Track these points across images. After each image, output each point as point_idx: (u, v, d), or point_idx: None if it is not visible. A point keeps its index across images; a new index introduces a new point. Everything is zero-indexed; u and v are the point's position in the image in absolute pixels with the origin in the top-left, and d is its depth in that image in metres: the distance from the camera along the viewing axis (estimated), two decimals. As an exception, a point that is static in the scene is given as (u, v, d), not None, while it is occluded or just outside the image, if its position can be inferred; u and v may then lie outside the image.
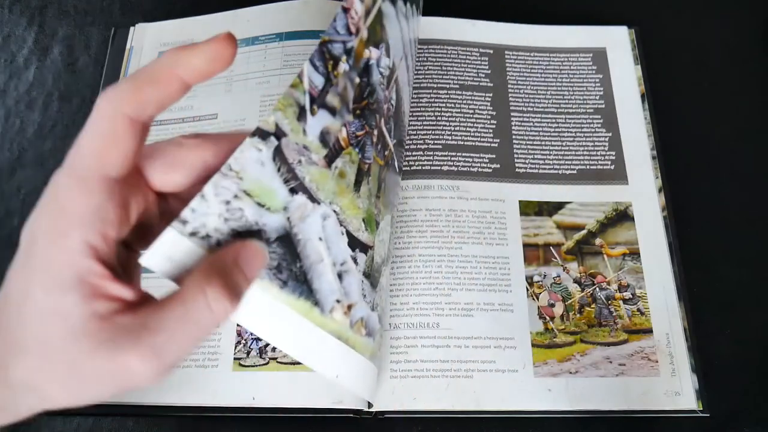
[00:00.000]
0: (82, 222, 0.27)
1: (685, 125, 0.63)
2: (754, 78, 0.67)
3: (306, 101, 0.35)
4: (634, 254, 0.57)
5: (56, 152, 0.62)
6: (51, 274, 0.27)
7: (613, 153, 0.61)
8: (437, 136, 0.60)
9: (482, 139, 0.61)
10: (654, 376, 0.52)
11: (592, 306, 0.55)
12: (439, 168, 0.59)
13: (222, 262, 0.29)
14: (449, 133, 0.61)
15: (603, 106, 0.63)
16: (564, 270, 0.56)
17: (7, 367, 0.27)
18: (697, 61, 0.67)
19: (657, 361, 0.52)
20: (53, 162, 0.62)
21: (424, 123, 0.61)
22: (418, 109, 0.61)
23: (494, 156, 0.60)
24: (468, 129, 0.61)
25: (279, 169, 0.34)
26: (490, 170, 0.59)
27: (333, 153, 0.38)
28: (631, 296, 0.55)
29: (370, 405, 0.50)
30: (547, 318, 0.54)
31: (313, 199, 0.36)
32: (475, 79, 0.64)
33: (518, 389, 0.51)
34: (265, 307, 0.34)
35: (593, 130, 0.62)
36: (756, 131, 0.64)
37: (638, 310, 0.55)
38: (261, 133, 0.33)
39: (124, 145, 0.28)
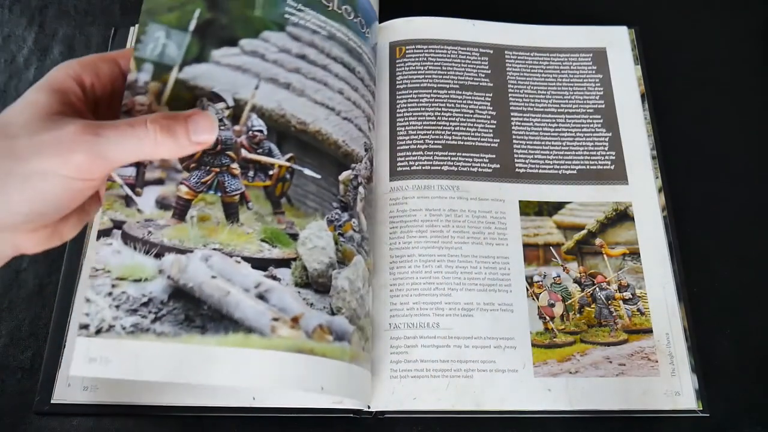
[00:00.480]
0: (70, 64, 0.40)
1: (685, 125, 0.64)
2: (753, 78, 0.67)
3: (126, 191, 0.42)
4: (634, 254, 0.57)
5: (56, 152, 0.62)
6: (42, 84, 0.38)
7: (613, 153, 0.61)
8: (437, 136, 0.60)
9: (482, 139, 0.61)
10: (654, 376, 0.52)
11: (592, 306, 0.55)
12: (439, 168, 0.59)
13: (174, 115, 0.38)
14: (449, 133, 0.61)
15: (603, 106, 0.63)
16: (564, 270, 0.56)
17: None
18: (697, 61, 0.67)
19: (657, 361, 0.52)
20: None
21: (424, 123, 0.61)
22: (418, 109, 0.61)
23: (494, 156, 0.60)
24: (468, 129, 0.61)
25: (135, 248, 0.41)
26: (490, 170, 0.59)
27: (181, 209, 0.43)
28: (630, 296, 0.55)
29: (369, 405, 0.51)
30: (547, 318, 0.54)
31: (183, 251, 0.42)
32: (475, 79, 0.64)
33: (518, 389, 0.51)
34: (201, 362, 0.39)
35: (593, 130, 0.62)
36: (756, 131, 0.64)
37: (638, 310, 0.55)
38: (104, 233, 0.41)
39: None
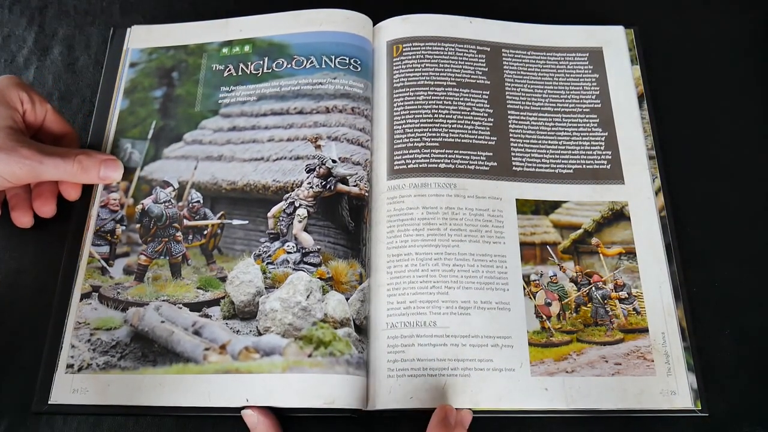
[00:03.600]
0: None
1: (683, 125, 0.63)
2: (752, 78, 0.67)
3: (103, 264, 0.57)
4: (630, 254, 0.57)
5: (56, 152, 0.62)
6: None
7: (609, 153, 0.61)
8: (434, 134, 0.60)
9: (479, 137, 0.61)
10: (650, 375, 0.52)
11: (589, 305, 0.55)
12: (436, 166, 0.59)
13: (94, 158, 0.56)
14: (446, 130, 0.61)
15: (599, 105, 0.63)
16: (560, 269, 0.57)
17: None
18: (696, 61, 0.67)
19: (653, 361, 0.52)
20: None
21: (421, 120, 0.61)
22: (415, 107, 0.61)
23: (491, 154, 0.60)
24: (465, 126, 0.61)
25: (108, 305, 0.55)
26: (487, 168, 0.60)
27: (140, 273, 0.57)
28: (627, 295, 0.55)
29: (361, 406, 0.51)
30: (544, 317, 0.54)
31: (140, 305, 0.55)
32: (472, 76, 0.64)
33: (515, 388, 0.51)
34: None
35: (589, 129, 0.62)
36: (755, 131, 0.64)
37: (634, 309, 0.55)
38: (85, 295, 0.55)
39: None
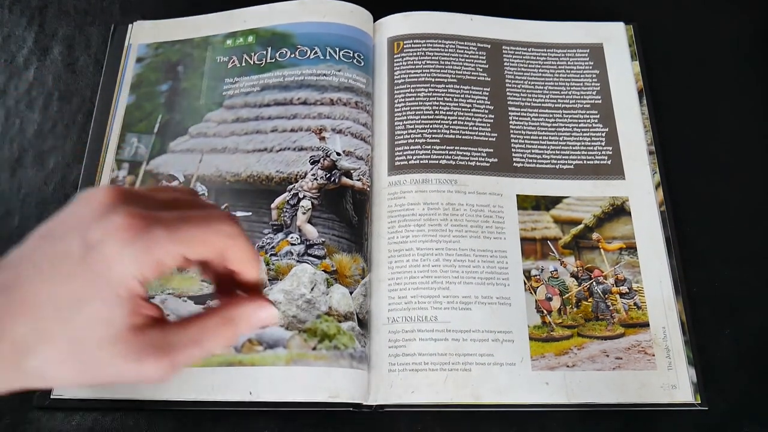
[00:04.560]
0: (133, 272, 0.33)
1: (683, 121, 0.64)
2: (752, 73, 0.67)
3: None
4: (631, 249, 0.57)
5: (56, 152, 0.62)
6: (111, 288, 0.32)
7: (610, 148, 0.61)
8: (435, 130, 0.61)
9: (480, 133, 0.61)
10: (650, 369, 0.52)
11: (589, 300, 0.55)
12: (437, 162, 0.59)
13: (235, 314, 0.37)
14: (447, 127, 0.61)
15: (600, 101, 0.63)
16: (561, 264, 0.57)
17: (26, 352, 0.31)
18: (696, 57, 0.67)
19: (653, 355, 0.52)
20: (53, 162, 0.62)
21: (422, 117, 0.61)
22: (416, 104, 0.62)
23: (492, 150, 0.60)
24: (466, 123, 0.61)
25: None
26: (488, 164, 0.60)
27: None
28: (627, 290, 0.55)
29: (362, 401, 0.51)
30: (545, 312, 0.54)
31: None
32: (473, 73, 0.64)
33: (516, 382, 0.51)
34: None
35: (590, 125, 0.62)
36: (754, 127, 0.64)
37: (635, 304, 0.55)
38: None
39: None
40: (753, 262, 0.58)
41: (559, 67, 0.65)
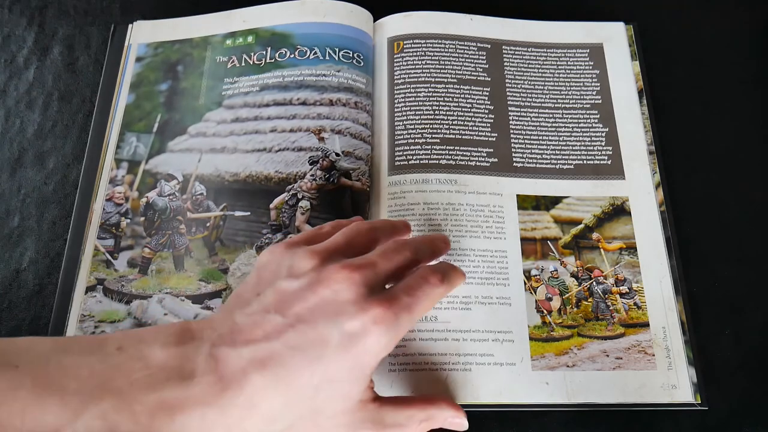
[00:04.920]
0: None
1: (683, 121, 0.64)
2: (752, 74, 0.67)
3: (107, 256, 0.57)
4: (631, 249, 0.57)
5: (56, 152, 0.62)
6: (364, 372, 0.38)
7: (610, 148, 0.61)
8: (435, 130, 0.61)
9: (480, 134, 0.61)
10: (651, 369, 0.52)
11: (589, 300, 0.55)
12: (437, 162, 0.59)
13: (435, 414, 0.45)
14: (447, 127, 0.61)
15: (600, 101, 0.63)
16: (561, 264, 0.57)
17: (274, 422, 0.37)
18: (696, 57, 0.67)
19: (653, 355, 0.52)
20: (53, 162, 0.62)
21: (422, 117, 0.61)
22: (416, 104, 0.62)
23: (492, 150, 0.60)
24: (466, 123, 0.61)
25: (112, 298, 0.55)
26: (488, 164, 0.60)
27: (144, 265, 0.57)
28: (627, 290, 0.55)
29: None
30: (545, 312, 0.54)
31: (144, 297, 0.55)
32: (473, 73, 0.64)
33: (516, 382, 0.51)
34: None
35: (590, 125, 0.62)
36: (755, 127, 0.64)
37: (635, 304, 0.55)
38: (90, 288, 0.55)
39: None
40: (753, 262, 0.58)
41: (560, 67, 0.65)
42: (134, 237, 0.58)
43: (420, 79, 0.63)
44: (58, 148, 0.63)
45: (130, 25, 0.67)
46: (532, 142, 0.61)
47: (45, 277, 0.57)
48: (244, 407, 0.35)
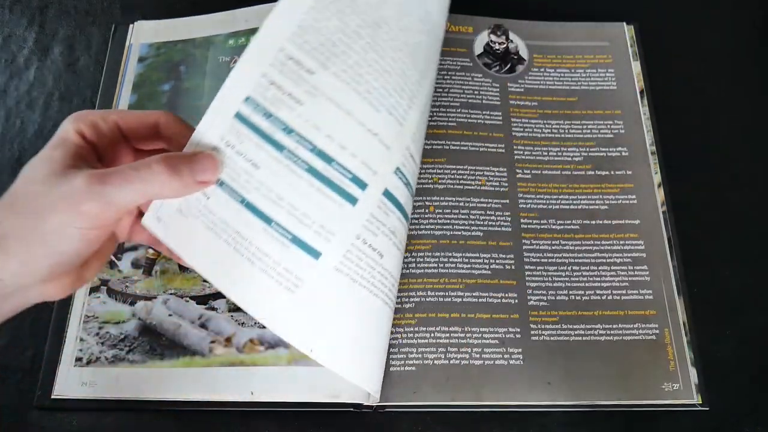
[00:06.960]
0: (75, 119, 0.41)
1: (684, 121, 0.64)
2: (754, 74, 0.67)
3: (111, 257, 0.56)
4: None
5: (57, 151, 0.62)
6: (55, 140, 0.40)
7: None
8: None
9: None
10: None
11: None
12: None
13: (178, 155, 0.40)
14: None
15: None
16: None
17: None
18: (697, 58, 0.67)
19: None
20: (54, 160, 0.62)
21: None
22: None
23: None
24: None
25: (116, 299, 0.55)
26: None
27: (148, 266, 0.57)
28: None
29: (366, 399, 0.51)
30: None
31: (149, 298, 0.55)
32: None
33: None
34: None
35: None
36: (756, 127, 0.64)
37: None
38: (94, 289, 0.55)
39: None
40: (754, 262, 0.58)
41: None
42: None
43: None
44: (58, 148, 0.63)
45: (131, 26, 0.67)
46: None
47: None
48: None
